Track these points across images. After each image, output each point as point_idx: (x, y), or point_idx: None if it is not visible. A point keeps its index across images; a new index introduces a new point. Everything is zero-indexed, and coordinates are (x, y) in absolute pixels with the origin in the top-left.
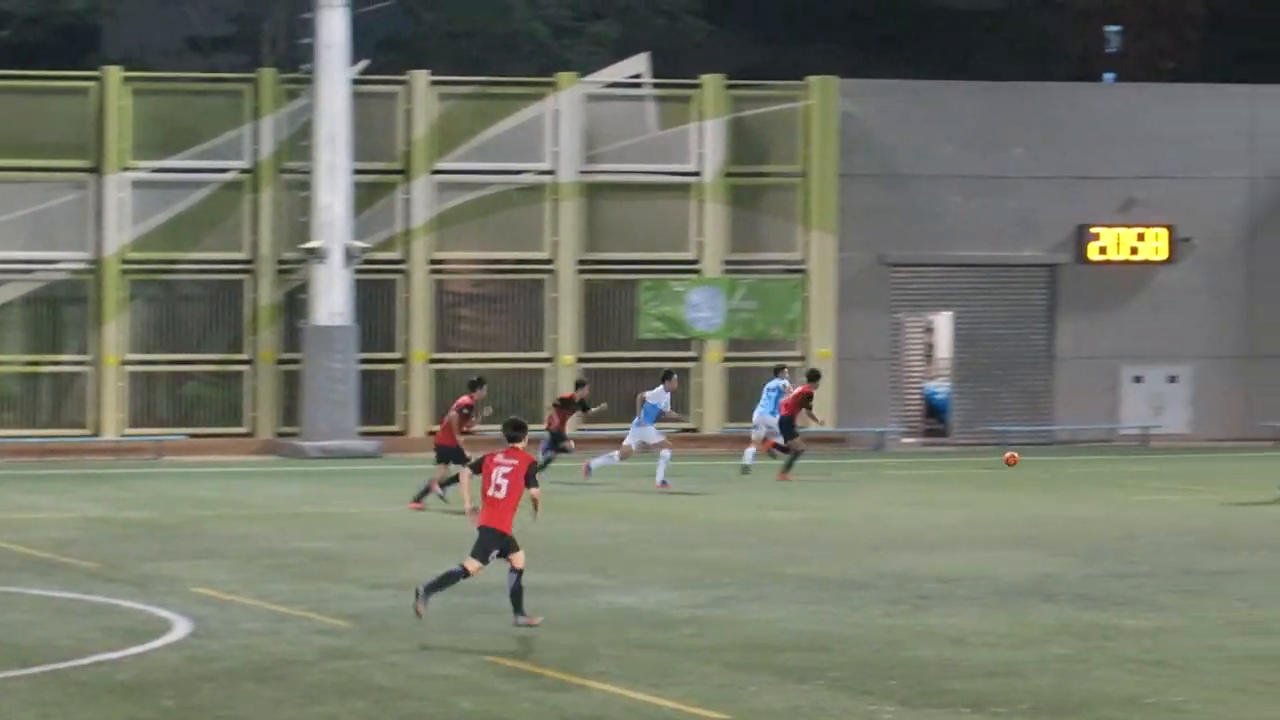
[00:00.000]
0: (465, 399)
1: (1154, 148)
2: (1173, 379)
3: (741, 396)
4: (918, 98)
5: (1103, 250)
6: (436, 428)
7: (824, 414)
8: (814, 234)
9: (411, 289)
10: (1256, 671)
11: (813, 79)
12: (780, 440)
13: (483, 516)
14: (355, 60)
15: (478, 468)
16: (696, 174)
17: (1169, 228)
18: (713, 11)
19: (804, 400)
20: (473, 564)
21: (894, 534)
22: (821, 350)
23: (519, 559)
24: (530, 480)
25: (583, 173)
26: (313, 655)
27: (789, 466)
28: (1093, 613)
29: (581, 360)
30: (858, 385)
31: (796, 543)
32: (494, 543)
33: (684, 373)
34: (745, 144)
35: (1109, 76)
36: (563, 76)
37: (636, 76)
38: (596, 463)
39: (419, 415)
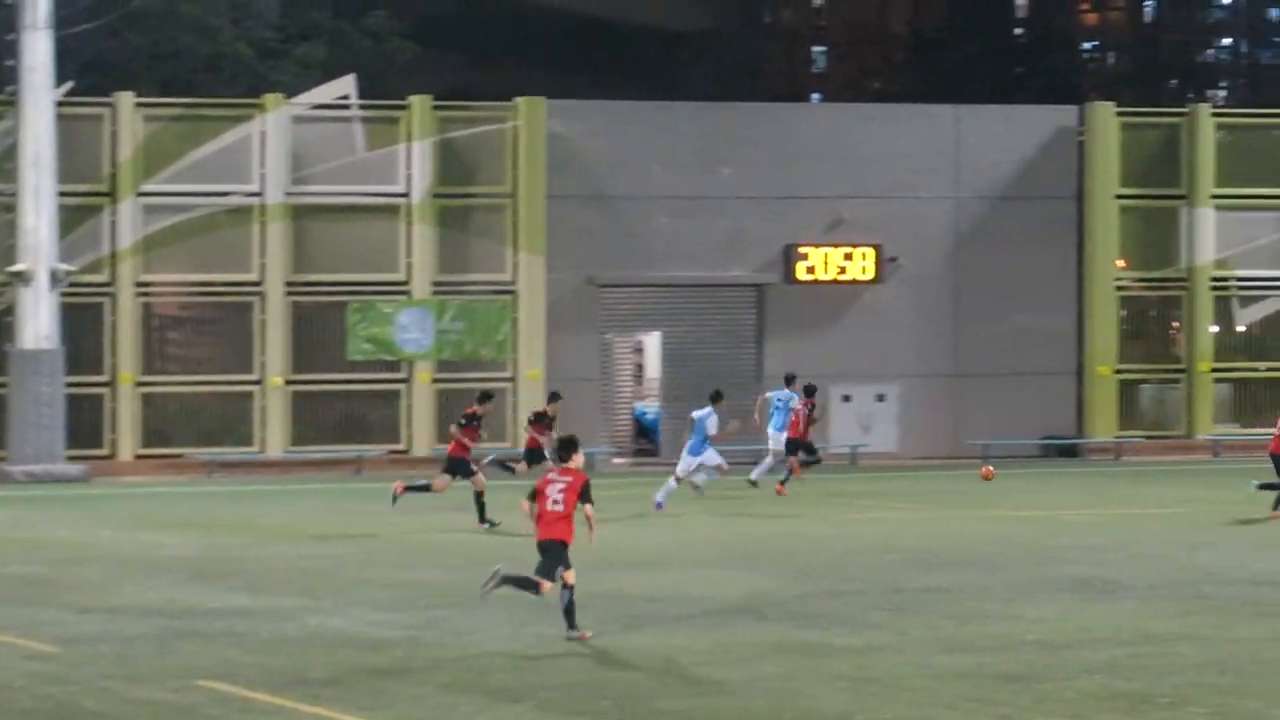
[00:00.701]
0: (471, 408)
1: (860, 167)
2: (881, 398)
3: (452, 418)
4: (626, 118)
5: (810, 270)
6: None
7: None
8: (523, 255)
9: (118, 312)
10: (964, 688)
11: (520, 100)
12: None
13: (542, 531)
14: (60, 82)
15: (533, 496)
16: (405, 195)
17: (876, 247)
18: (420, 33)
19: (810, 418)
20: (545, 584)
21: (604, 554)
22: (531, 371)
23: (570, 577)
24: (585, 497)
25: (290, 194)
26: (22, 681)
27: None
28: (804, 631)
29: (290, 382)
30: (567, 406)
31: (510, 563)
32: (558, 555)
33: (394, 394)
34: (453, 165)
35: (816, 97)
36: (269, 98)
37: (344, 98)
38: (661, 495)
39: (126, 439)
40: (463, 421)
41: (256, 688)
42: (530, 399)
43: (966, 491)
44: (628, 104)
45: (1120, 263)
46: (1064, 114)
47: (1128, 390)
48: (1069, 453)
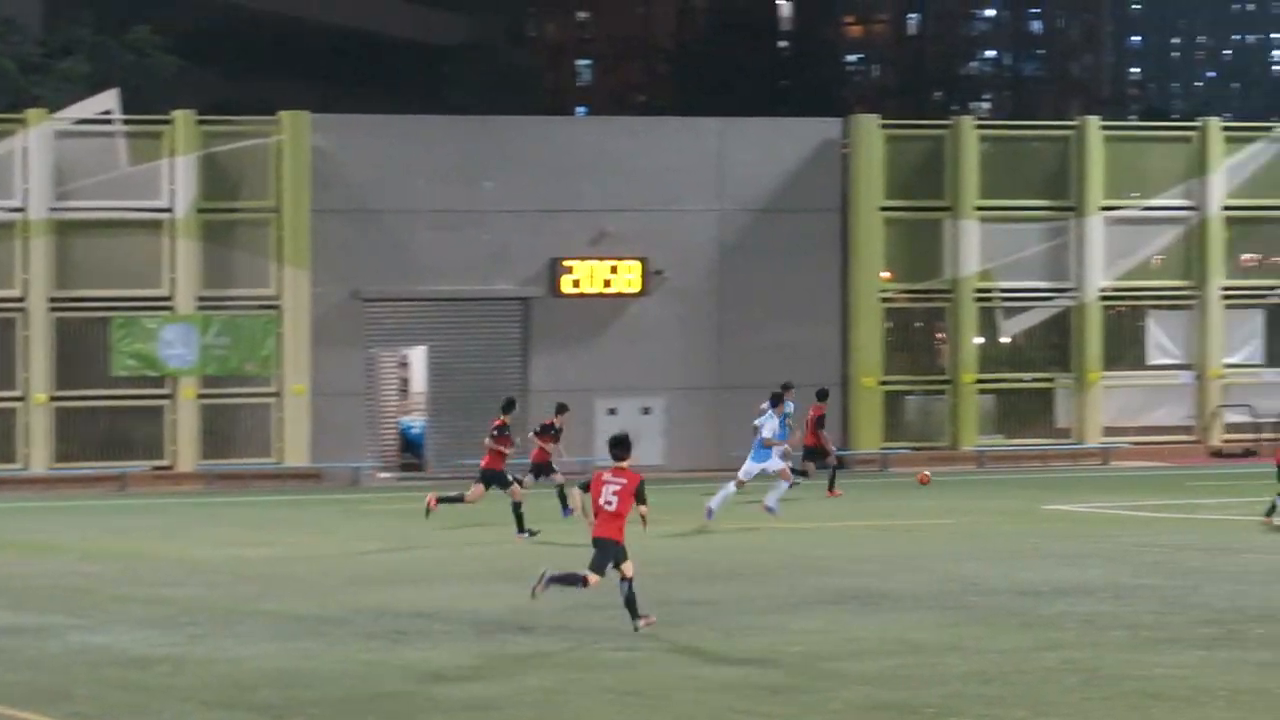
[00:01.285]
0: (497, 420)
1: (625, 180)
2: (646, 411)
3: (217, 433)
4: (390, 132)
5: (576, 283)
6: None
7: (300, 450)
8: (287, 270)
9: None
10: (730, 700)
11: (284, 114)
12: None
13: (597, 529)
14: None
15: (586, 487)
16: (168, 210)
17: (641, 260)
18: (183, 47)
19: (820, 423)
20: (593, 577)
21: (371, 569)
22: (296, 386)
23: (629, 569)
24: (640, 498)
25: (53, 210)
26: None
27: (832, 484)
28: (569, 644)
29: (55, 399)
30: (333, 421)
31: (273, 580)
32: (610, 552)
33: (158, 410)
34: (217, 180)
35: (581, 110)
36: (32, 113)
37: (107, 112)
38: (715, 502)
39: None
40: (495, 433)
41: (21, 706)
42: (296, 414)
43: (731, 504)
44: (391, 118)
45: (885, 274)
46: (828, 126)
47: (893, 402)
48: (838, 465)
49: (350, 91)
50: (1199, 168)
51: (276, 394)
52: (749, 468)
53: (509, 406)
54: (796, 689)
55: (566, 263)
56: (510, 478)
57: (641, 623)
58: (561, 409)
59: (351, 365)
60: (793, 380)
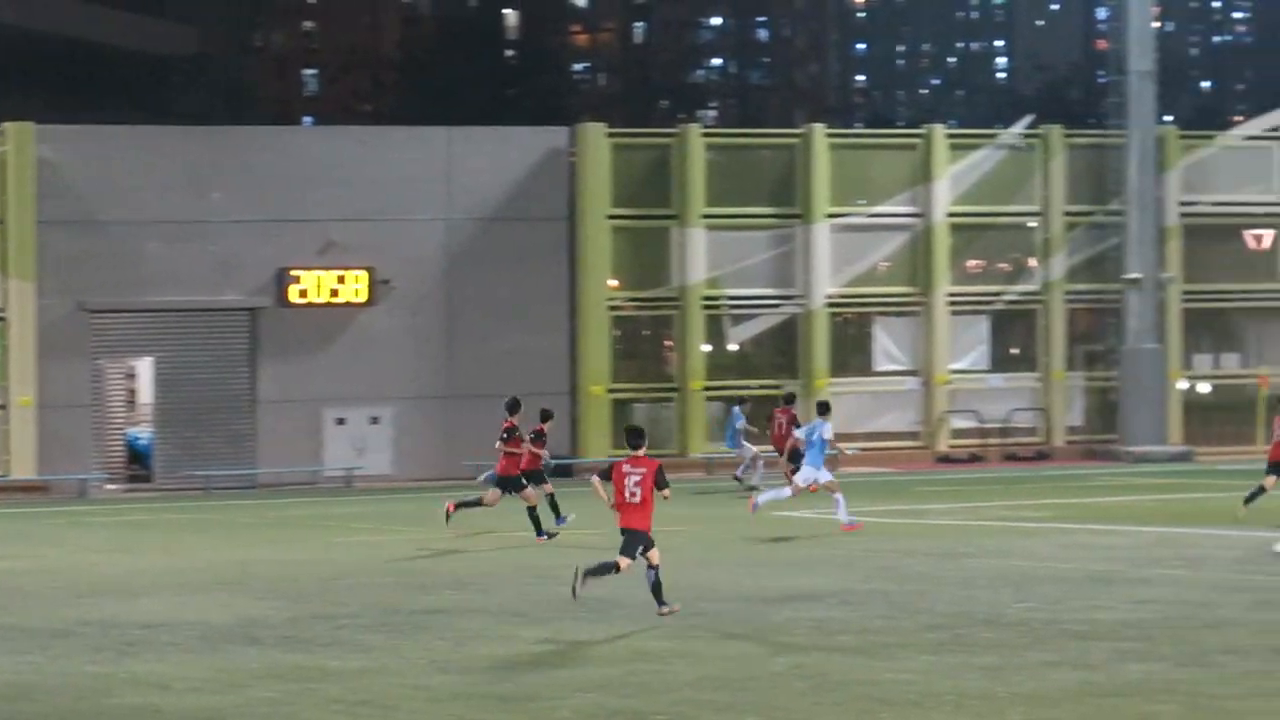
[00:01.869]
0: (506, 422)
1: (353, 190)
2: (375, 420)
3: None
4: (116, 142)
5: (303, 293)
6: None
7: (26, 462)
8: (13, 281)
9: None
10: (459, 709)
11: (8, 125)
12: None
13: (623, 520)
14: None
15: (606, 475)
16: None
17: (369, 270)
18: None
19: (794, 423)
20: (624, 561)
21: (98, 581)
22: (23, 398)
23: (655, 556)
24: (659, 483)
25: None
26: None
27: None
28: (298, 655)
29: None
30: (59, 433)
31: None
32: (638, 541)
33: None
34: None
35: (308, 120)
36: None
37: None
38: (764, 498)
39: None
40: (504, 436)
41: None
42: (22, 426)
43: (462, 513)
44: (119, 128)
45: (613, 283)
46: (555, 135)
47: (621, 410)
48: (563, 473)
49: (78, 102)
50: (924, 175)
51: (2, 406)
52: (810, 474)
53: (514, 407)
54: (526, 697)
55: (294, 272)
56: (523, 481)
57: (666, 610)
58: (547, 416)
59: (78, 376)
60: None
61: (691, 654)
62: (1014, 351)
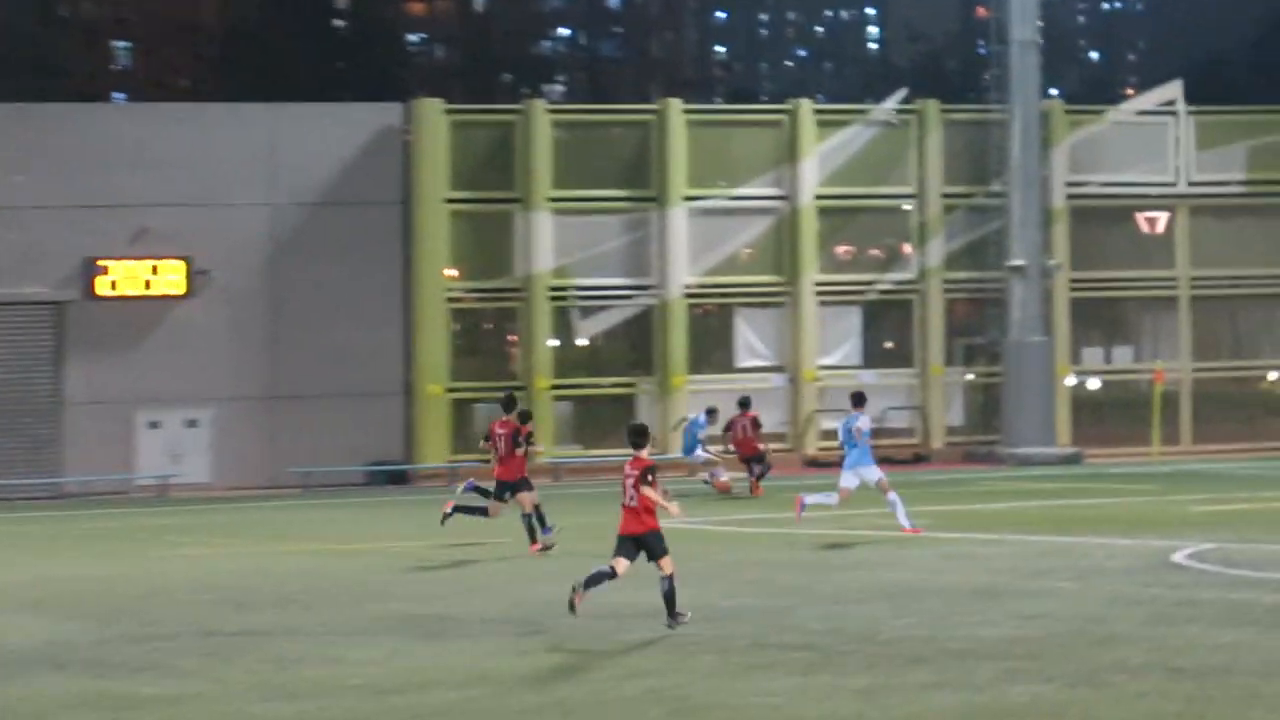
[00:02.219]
0: (515, 424)
1: (168, 173)
2: (192, 424)
3: None
4: None
5: (114, 285)
6: None
7: None
8: None
9: None
10: None
11: None
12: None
13: (621, 525)
14: None
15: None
16: None
17: (186, 259)
18: None
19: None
20: (621, 563)
21: None
22: None
23: (667, 564)
24: (643, 480)
25: None
26: None
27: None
28: (108, 681)
29: None
30: None
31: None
32: (633, 547)
33: None
34: None
35: (119, 96)
36: None
37: None
38: (812, 499)
39: None
40: (530, 439)
41: None
42: None
43: (287, 523)
44: None
45: (451, 272)
46: (388, 112)
47: (461, 410)
48: (398, 480)
49: None
50: (789, 154)
51: None
52: (869, 474)
53: (510, 405)
54: None
55: (103, 263)
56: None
57: (676, 620)
58: (526, 417)
59: None
60: (359, 389)
61: (537, 677)
62: (888, 345)
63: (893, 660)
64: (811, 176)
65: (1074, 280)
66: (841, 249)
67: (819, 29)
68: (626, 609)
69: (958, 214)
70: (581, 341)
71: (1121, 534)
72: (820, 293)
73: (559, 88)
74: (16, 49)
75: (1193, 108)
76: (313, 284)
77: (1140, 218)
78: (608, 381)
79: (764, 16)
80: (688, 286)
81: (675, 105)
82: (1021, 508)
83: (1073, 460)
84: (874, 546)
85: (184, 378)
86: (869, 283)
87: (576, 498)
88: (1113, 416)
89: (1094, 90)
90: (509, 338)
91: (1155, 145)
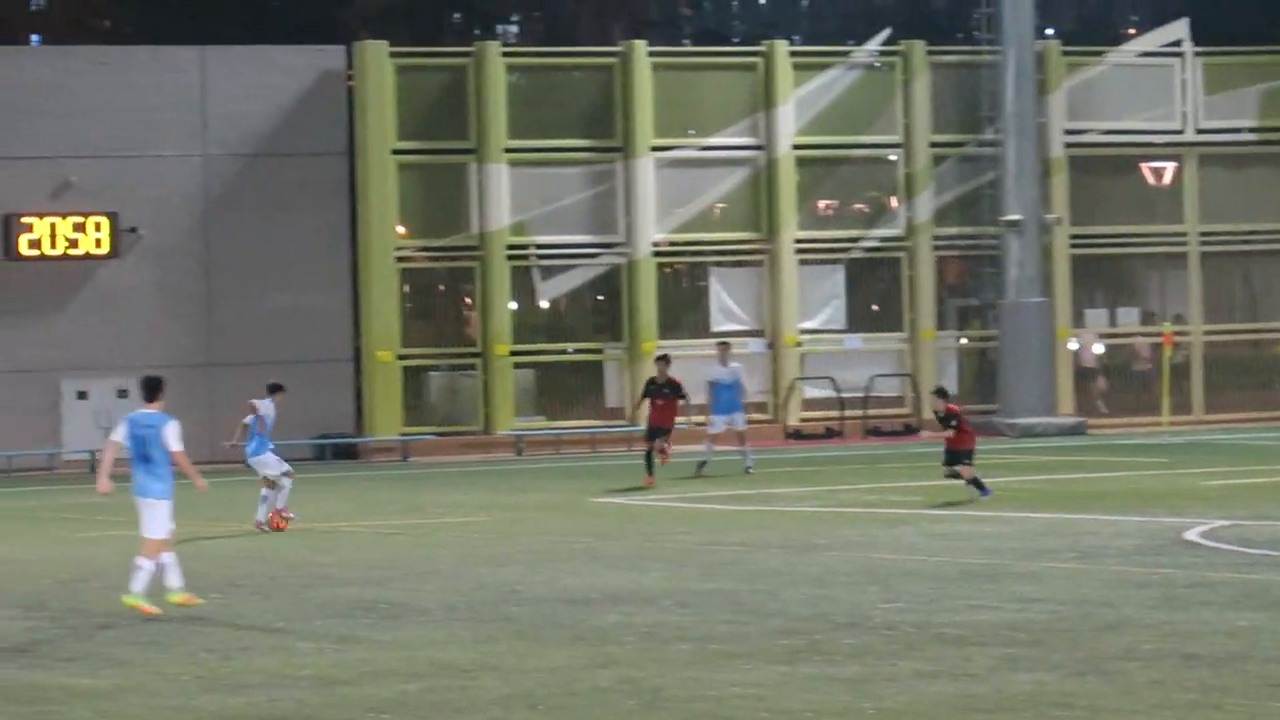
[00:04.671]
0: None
1: (90, 121)
2: (123, 394)
3: None
4: None
5: (34, 244)
6: None
7: None
8: None
9: None
10: None
11: None
12: None
13: None
14: None
15: None
16: None
17: (110, 216)
18: None
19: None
20: None
21: None
22: None
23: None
24: None
25: None
26: None
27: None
28: (37, 673)
29: None
30: None
31: None
32: None
33: None
34: None
35: (35, 39)
36: None
37: None
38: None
39: None
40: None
41: None
42: None
43: (229, 501)
44: None
45: (401, 230)
46: (329, 55)
47: (414, 379)
48: (348, 454)
49: None
50: (765, 100)
51: None
52: (268, 467)
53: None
54: (306, 718)
55: (24, 219)
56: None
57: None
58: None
59: None
60: (303, 356)
61: (500, 666)
62: (875, 308)
63: (883, 648)
64: (789, 124)
65: (1074, 236)
66: (823, 203)
67: None
68: (594, 592)
69: (948, 165)
70: (543, 304)
71: (1129, 510)
72: (800, 250)
73: (513, 29)
74: None
75: (1200, 49)
76: (250, 242)
77: (1145, 168)
78: (572, 348)
79: None
80: (657, 244)
81: (640, 47)
82: (1020, 482)
83: (1076, 431)
84: (860, 525)
85: (112, 344)
86: (853, 240)
87: (537, 473)
88: (1118, 383)
89: (1093, 30)
90: (465, 300)
91: (1160, 89)
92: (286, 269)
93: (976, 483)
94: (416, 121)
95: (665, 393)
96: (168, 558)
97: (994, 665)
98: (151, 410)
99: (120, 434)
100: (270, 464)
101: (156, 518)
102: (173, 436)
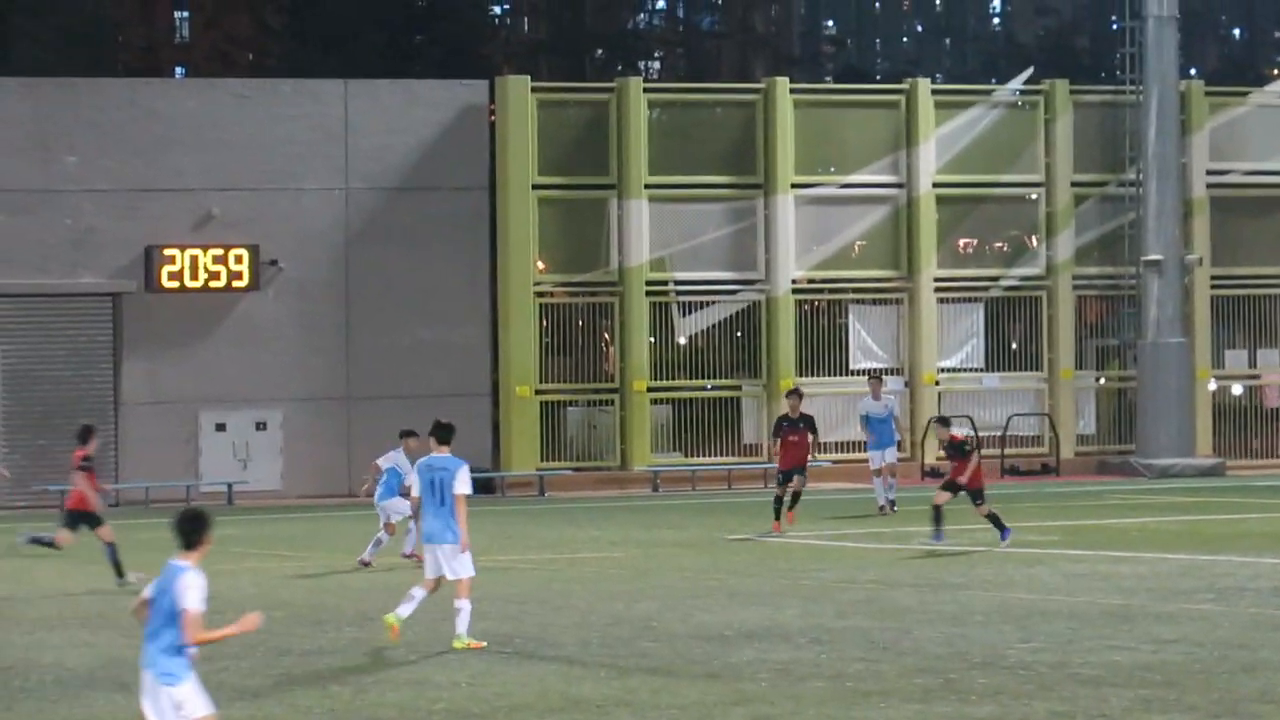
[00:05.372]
0: (82, 450)
1: (233, 154)
2: (261, 426)
3: None
4: None
5: (176, 276)
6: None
7: None
8: None
9: None
10: None
11: None
12: None
13: None
14: None
15: None
16: None
17: (252, 248)
18: None
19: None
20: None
21: None
22: None
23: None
24: None
25: None
26: None
27: None
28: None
29: None
30: None
31: None
32: None
33: None
34: None
35: (179, 71)
36: None
37: None
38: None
39: None
40: (82, 466)
41: None
42: None
43: (365, 535)
44: None
45: (540, 265)
46: (472, 90)
47: (552, 414)
48: (485, 488)
49: None
50: (906, 138)
51: None
52: None
53: (89, 432)
54: None
55: (166, 251)
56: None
57: None
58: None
59: None
60: (442, 390)
61: (634, 702)
62: (1014, 346)
63: (1018, 687)
64: (929, 162)
65: (1215, 277)
66: (962, 242)
67: (937, 2)
68: (729, 629)
69: (1089, 204)
70: (681, 340)
71: (1266, 552)
72: (940, 289)
73: (655, 65)
74: (66, 19)
75: None
76: (390, 276)
77: None
78: (710, 384)
79: None
80: (796, 281)
81: (782, 84)
82: (1158, 523)
83: (1214, 472)
84: (996, 565)
85: (251, 376)
86: (992, 279)
87: (673, 509)
88: (1257, 425)
89: (1236, 71)
90: (603, 336)
91: None
92: (426, 303)
93: (994, 519)
94: (557, 157)
95: (800, 426)
96: (461, 603)
97: (1129, 706)
98: (444, 454)
99: (416, 486)
100: (400, 508)
101: (462, 560)
102: (463, 482)
